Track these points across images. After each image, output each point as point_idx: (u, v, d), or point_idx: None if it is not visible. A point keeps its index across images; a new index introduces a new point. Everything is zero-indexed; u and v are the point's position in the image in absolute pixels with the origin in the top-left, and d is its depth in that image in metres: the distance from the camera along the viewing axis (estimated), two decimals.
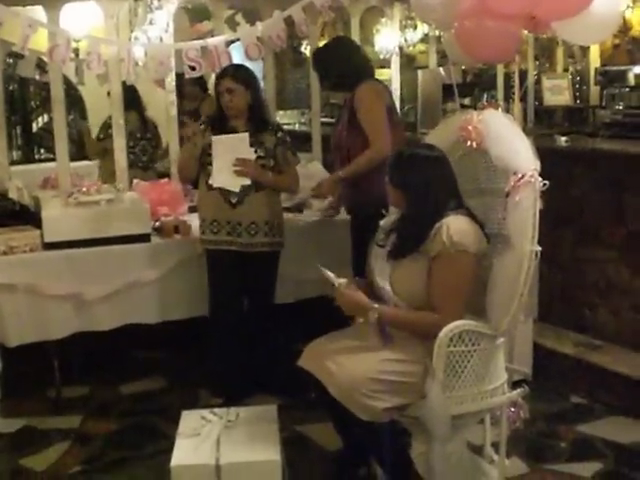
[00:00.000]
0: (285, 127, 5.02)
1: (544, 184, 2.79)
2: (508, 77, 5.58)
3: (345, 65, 4.05)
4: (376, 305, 2.89)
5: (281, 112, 7.52)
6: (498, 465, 3.14)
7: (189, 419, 3.33)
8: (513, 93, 4.57)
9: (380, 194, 3.16)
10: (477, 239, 2.87)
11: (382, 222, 3.19)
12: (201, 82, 5.57)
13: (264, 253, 4.05)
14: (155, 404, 4.25)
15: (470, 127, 2.99)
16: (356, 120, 3.94)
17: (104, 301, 4.15)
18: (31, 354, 4.17)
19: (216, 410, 3.41)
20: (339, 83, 4.11)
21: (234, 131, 3.99)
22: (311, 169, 4.20)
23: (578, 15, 3.34)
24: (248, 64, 4.45)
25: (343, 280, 2.96)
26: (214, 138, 3.93)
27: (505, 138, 2.91)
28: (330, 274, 2.97)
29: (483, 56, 3.89)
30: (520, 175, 2.78)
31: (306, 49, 8.57)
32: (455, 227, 2.84)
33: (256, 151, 3.97)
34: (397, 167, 2.99)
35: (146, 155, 6.05)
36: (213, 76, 4.47)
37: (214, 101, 4.18)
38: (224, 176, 3.94)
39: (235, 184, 3.94)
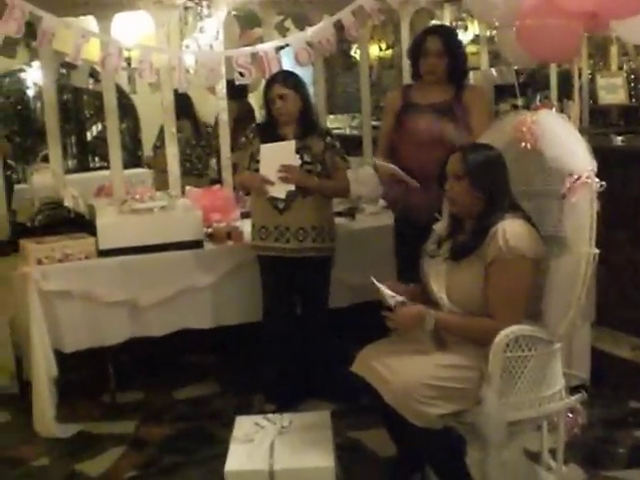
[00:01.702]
0: (335, 131, 5.02)
1: (601, 185, 2.74)
2: (561, 77, 5.49)
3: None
4: (432, 312, 2.86)
5: (331, 116, 7.53)
6: (556, 472, 3.09)
7: (243, 425, 3.34)
8: (567, 93, 4.51)
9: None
10: (534, 243, 2.82)
11: (436, 227, 3.16)
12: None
13: (313, 258, 4.04)
14: (209, 409, 4.27)
15: (524, 128, 2.94)
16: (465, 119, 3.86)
17: (158, 307, 4.18)
18: (86, 360, 4.24)
19: (270, 416, 3.41)
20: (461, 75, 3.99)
21: (284, 138, 3.99)
22: (362, 174, 4.17)
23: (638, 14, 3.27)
24: (298, 69, 4.46)
25: (399, 298, 2.91)
26: (262, 146, 3.95)
27: (560, 139, 2.86)
28: (386, 290, 2.92)
29: (545, 55, 3.84)
30: (576, 176, 2.73)
31: (356, 53, 8.56)
32: (511, 231, 2.79)
33: (302, 157, 3.96)
34: (478, 166, 2.93)
35: (201, 162, 6.10)
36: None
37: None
38: (270, 185, 3.95)
39: (280, 191, 3.95)
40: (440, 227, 3.17)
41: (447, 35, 3.95)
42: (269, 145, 3.96)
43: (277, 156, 3.93)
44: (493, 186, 2.92)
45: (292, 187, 3.94)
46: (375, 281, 2.96)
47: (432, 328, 2.85)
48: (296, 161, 3.94)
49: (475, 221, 2.95)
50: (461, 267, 2.92)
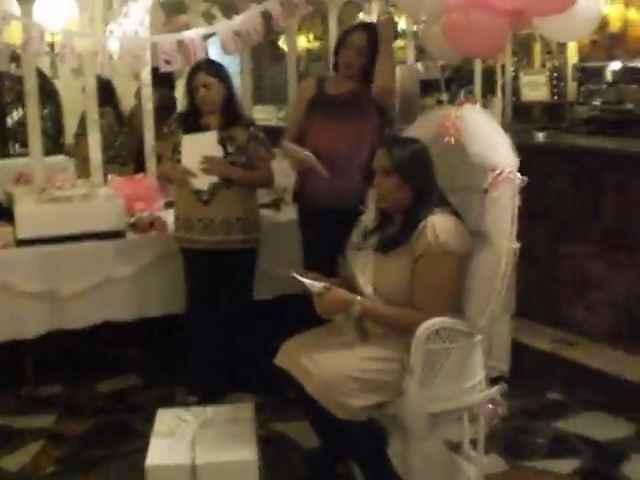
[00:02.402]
0: (262, 122, 4.98)
1: (523, 180, 2.78)
2: (485, 73, 5.57)
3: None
4: (359, 298, 2.87)
5: (258, 107, 7.47)
6: (477, 462, 3.14)
7: (164, 418, 3.31)
8: (491, 89, 4.57)
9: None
10: (462, 239, 2.85)
11: (363, 218, 3.17)
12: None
13: (239, 250, 4.02)
14: (130, 402, 4.21)
15: (448, 123, 2.97)
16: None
17: (78, 298, 4.09)
18: (4, 352, 4.12)
19: (192, 409, 3.39)
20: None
21: (207, 128, 3.95)
22: (286, 164, 4.16)
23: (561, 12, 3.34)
24: (225, 59, 4.42)
25: (321, 284, 2.90)
26: (184, 138, 3.91)
27: (483, 134, 2.89)
28: (307, 281, 2.90)
29: (470, 50, 3.88)
30: (499, 171, 2.77)
31: (284, 44, 8.53)
32: (441, 226, 2.81)
33: (226, 147, 3.92)
34: (405, 161, 2.93)
35: (124, 150, 5.99)
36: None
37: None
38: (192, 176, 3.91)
39: (202, 183, 3.91)
40: (367, 219, 3.17)
41: (375, 35, 3.96)
42: (191, 136, 3.92)
43: (199, 147, 3.89)
44: (422, 179, 2.93)
45: (214, 179, 3.90)
46: (296, 275, 2.94)
47: (358, 314, 2.85)
48: (218, 152, 3.90)
49: (404, 215, 2.96)
50: (388, 260, 2.94)
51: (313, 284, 2.89)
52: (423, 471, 2.88)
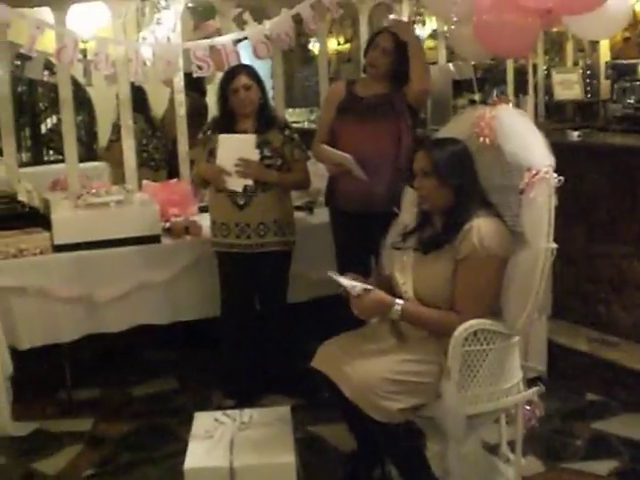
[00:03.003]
0: (294, 125, 4.99)
1: (559, 180, 2.75)
2: (518, 72, 5.53)
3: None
4: (399, 300, 2.86)
5: (290, 110, 7.49)
6: (514, 464, 3.11)
7: (202, 421, 3.32)
8: (524, 88, 4.53)
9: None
10: (507, 242, 2.82)
11: (401, 219, 3.16)
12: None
13: (275, 252, 4.03)
14: (167, 406, 4.23)
15: (483, 123, 2.95)
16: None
17: (114, 303, 4.13)
18: (42, 357, 4.17)
19: (229, 412, 3.39)
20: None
21: (243, 133, 3.96)
22: (320, 167, 4.16)
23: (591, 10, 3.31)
24: (256, 63, 4.44)
25: (361, 286, 2.87)
26: (221, 136, 3.91)
27: (519, 134, 2.87)
28: (347, 282, 2.88)
29: (502, 50, 3.86)
30: (535, 171, 2.75)
31: (314, 47, 8.54)
32: (486, 230, 2.79)
33: (262, 151, 3.93)
34: (444, 162, 2.90)
35: (158, 154, 6.04)
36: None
37: None
38: (227, 176, 3.92)
39: (237, 184, 3.91)
40: (405, 219, 3.16)
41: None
42: (229, 136, 3.92)
43: (236, 148, 3.89)
44: (461, 180, 2.91)
45: (250, 182, 3.91)
46: (333, 275, 2.93)
47: (398, 317, 2.84)
48: (255, 156, 3.91)
49: (446, 216, 2.94)
50: (429, 260, 2.92)
51: (353, 285, 2.87)
52: (461, 473, 2.85)
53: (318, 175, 4.26)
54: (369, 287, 2.88)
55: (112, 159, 6.03)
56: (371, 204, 3.77)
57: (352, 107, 3.96)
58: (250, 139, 3.90)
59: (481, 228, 2.79)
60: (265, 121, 4.01)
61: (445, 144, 3.00)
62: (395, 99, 3.90)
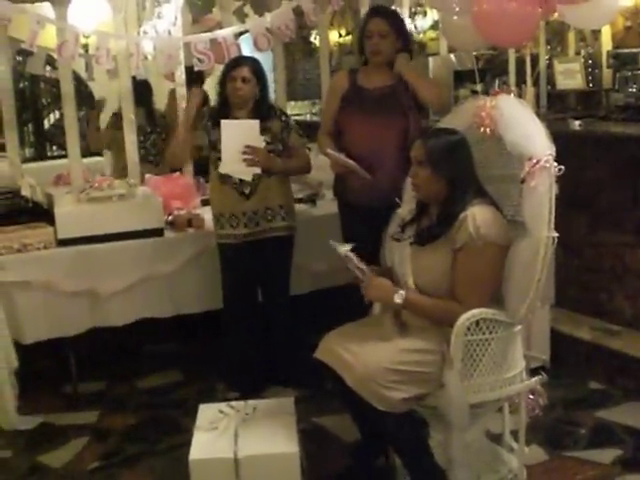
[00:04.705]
0: (296, 118, 5.00)
1: (559, 169, 2.76)
2: (519, 62, 5.52)
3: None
4: (401, 290, 2.87)
5: (292, 103, 7.49)
6: (517, 453, 3.13)
7: (206, 413, 3.33)
8: (525, 79, 4.53)
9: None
10: (503, 230, 2.84)
11: (399, 211, 3.17)
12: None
13: (281, 238, 4.05)
14: (172, 398, 4.26)
15: (483, 113, 2.96)
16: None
17: (118, 296, 4.14)
18: (47, 351, 4.19)
19: (233, 403, 3.40)
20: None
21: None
22: (322, 159, 4.16)
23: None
24: (258, 55, 4.43)
25: (366, 267, 2.93)
26: (223, 122, 3.87)
27: (519, 123, 2.88)
28: (355, 259, 2.93)
29: (502, 39, 3.84)
30: (535, 160, 2.75)
31: (315, 39, 8.53)
32: (482, 218, 2.80)
33: (264, 138, 3.94)
34: (439, 152, 2.92)
35: (156, 149, 6.04)
36: None
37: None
38: (234, 164, 3.89)
39: (246, 173, 3.90)
40: (403, 211, 3.17)
41: (390, 15, 3.93)
42: (231, 122, 3.90)
43: (240, 134, 3.87)
44: (456, 171, 2.91)
45: (258, 170, 3.91)
46: (339, 248, 2.96)
47: (401, 305, 2.86)
48: (261, 142, 3.90)
49: (441, 206, 2.95)
50: (426, 252, 2.93)
51: (359, 264, 2.92)
52: (464, 462, 2.86)
53: (319, 167, 4.26)
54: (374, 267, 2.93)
55: (98, 144, 6.07)
56: (379, 198, 3.75)
57: (357, 100, 3.90)
58: (254, 124, 3.88)
59: (476, 217, 2.79)
60: (263, 112, 3.99)
61: (442, 134, 3.01)
62: (401, 91, 3.86)
